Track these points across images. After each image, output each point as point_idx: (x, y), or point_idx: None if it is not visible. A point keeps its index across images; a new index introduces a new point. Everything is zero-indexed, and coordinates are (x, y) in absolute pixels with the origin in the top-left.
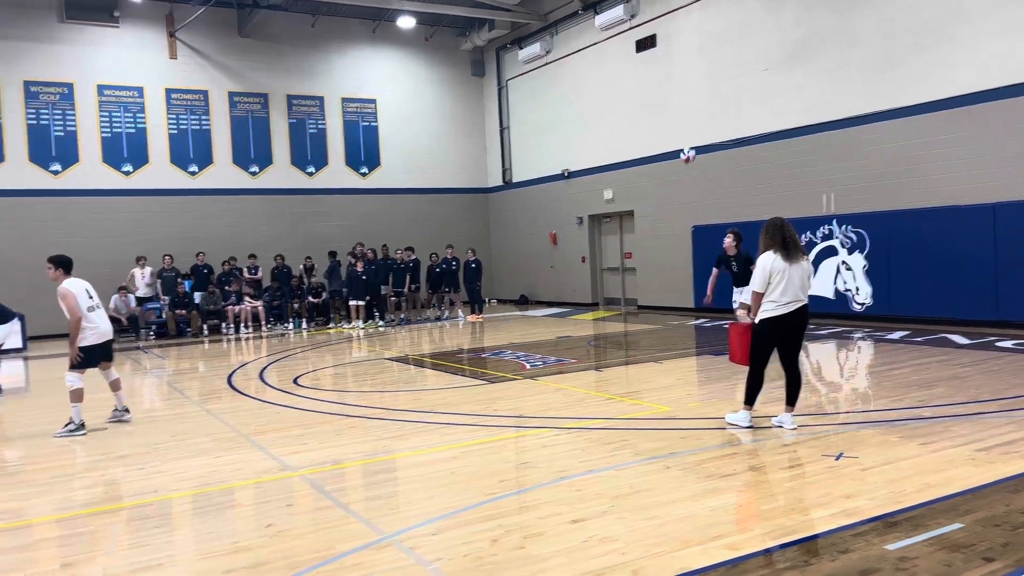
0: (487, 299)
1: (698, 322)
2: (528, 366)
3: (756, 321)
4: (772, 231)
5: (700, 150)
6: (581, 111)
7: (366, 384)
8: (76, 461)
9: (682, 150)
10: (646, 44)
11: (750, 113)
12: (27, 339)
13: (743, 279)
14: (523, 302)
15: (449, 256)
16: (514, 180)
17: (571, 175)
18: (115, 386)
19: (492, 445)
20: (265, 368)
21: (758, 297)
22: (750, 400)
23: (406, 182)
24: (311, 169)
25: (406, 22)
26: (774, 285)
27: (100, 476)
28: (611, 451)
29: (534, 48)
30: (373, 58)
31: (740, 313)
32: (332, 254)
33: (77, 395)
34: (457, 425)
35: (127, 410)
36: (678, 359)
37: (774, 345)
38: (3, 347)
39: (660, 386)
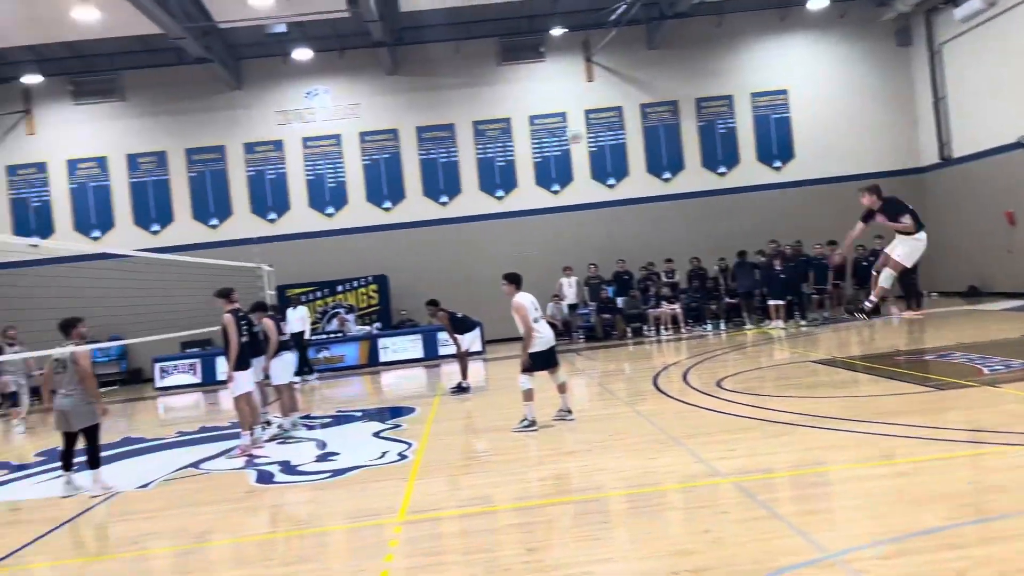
0: (926, 292)
1: None
2: (986, 371)
3: None
4: None
5: None
6: None
7: (792, 388)
8: (530, 455)
9: None
10: None
11: None
12: (485, 343)
13: None
14: (973, 294)
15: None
16: (954, 156)
17: None
18: (562, 389)
19: (945, 462)
20: (688, 370)
21: None
22: None
23: (823, 171)
24: (722, 169)
25: (818, 2)
26: None
27: (551, 469)
28: None
29: (974, 3)
30: (782, 47)
31: None
32: (741, 254)
33: (528, 395)
34: (900, 437)
35: (570, 411)
36: None
37: None
38: (469, 351)
39: None
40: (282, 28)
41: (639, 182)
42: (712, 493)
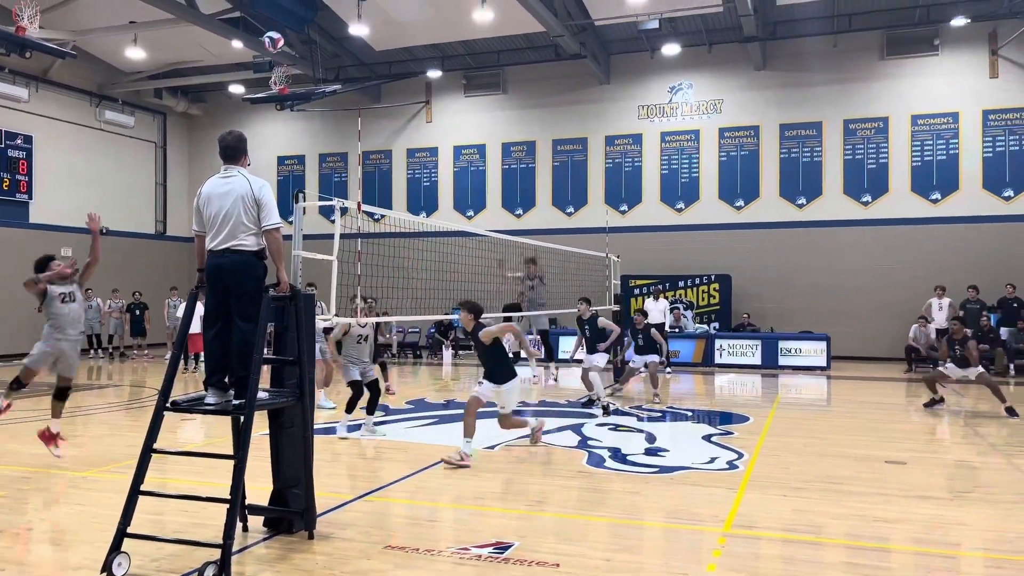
0: None
1: None
2: None
3: None
4: None
5: None
6: None
7: None
8: (873, 490)
9: None
10: None
11: None
12: (831, 359)
13: None
14: None
15: None
16: None
17: None
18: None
19: None
20: None
21: None
22: None
23: None
24: None
25: None
26: None
27: (898, 511)
28: None
29: None
30: None
31: None
32: None
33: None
34: None
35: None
36: None
37: None
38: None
39: None
40: (654, 24)
41: None
42: None
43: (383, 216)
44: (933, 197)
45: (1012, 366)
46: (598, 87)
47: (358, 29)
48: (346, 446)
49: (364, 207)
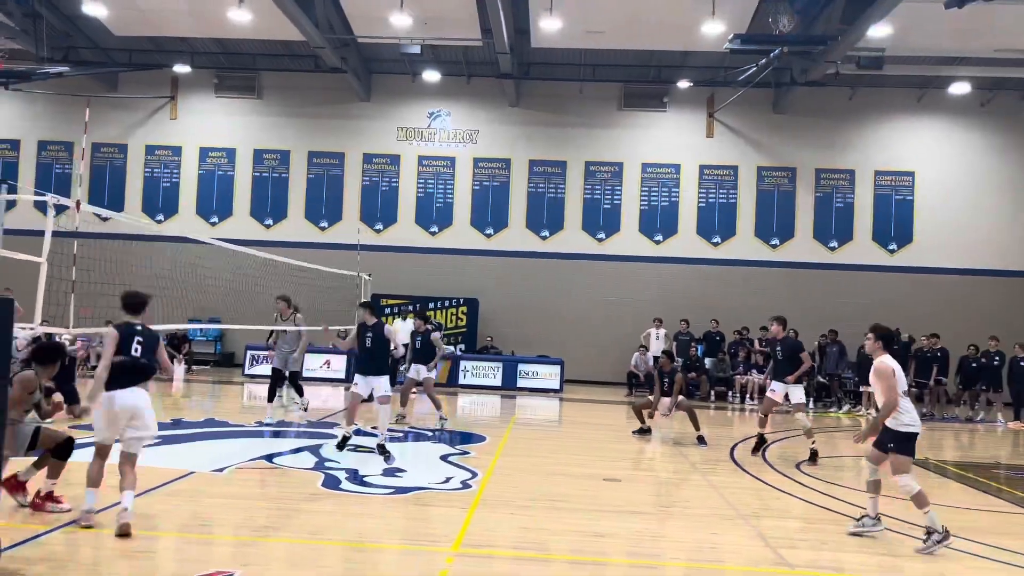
0: None
1: None
2: None
3: None
4: None
5: None
6: None
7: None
8: (591, 507)
9: None
10: None
11: None
12: (564, 382)
13: None
14: None
15: (992, 349)
16: None
17: None
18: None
19: None
20: (767, 446)
21: None
22: None
23: (939, 261)
24: (833, 244)
25: (960, 88)
26: None
27: (612, 526)
28: None
29: None
30: (914, 128)
31: None
32: (832, 332)
33: (921, 500)
34: (983, 558)
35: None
36: None
37: None
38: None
39: None
40: (416, 49)
41: (745, 244)
42: None
43: (109, 218)
44: (656, 238)
45: (713, 392)
46: (358, 103)
47: (93, 9)
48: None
49: (86, 207)
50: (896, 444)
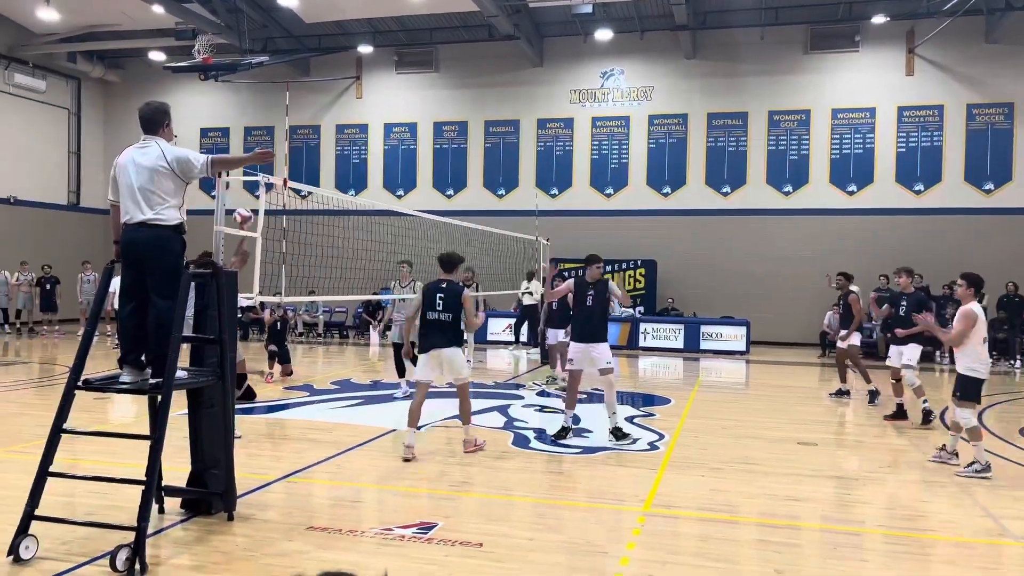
0: None
1: None
2: None
3: None
4: None
5: None
6: None
7: None
8: (782, 471)
9: None
10: None
11: None
12: (750, 343)
13: None
14: None
15: None
16: None
17: None
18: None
19: None
20: (983, 410)
21: None
22: None
23: None
24: None
25: None
26: None
27: (808, 490)
28: None
29: None
30: None
31: None
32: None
33: (976, 433)
34: None
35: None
36: None
37: None
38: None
39: None
40: (588, 8)
41: (954, 190)
42: (996, 554)
43: (310, 193)
44: (849, 189)
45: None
46: (531, 69)
47: (287, 0)
48: (269, 426)
49: (291, 183)
50: (961, 390)
